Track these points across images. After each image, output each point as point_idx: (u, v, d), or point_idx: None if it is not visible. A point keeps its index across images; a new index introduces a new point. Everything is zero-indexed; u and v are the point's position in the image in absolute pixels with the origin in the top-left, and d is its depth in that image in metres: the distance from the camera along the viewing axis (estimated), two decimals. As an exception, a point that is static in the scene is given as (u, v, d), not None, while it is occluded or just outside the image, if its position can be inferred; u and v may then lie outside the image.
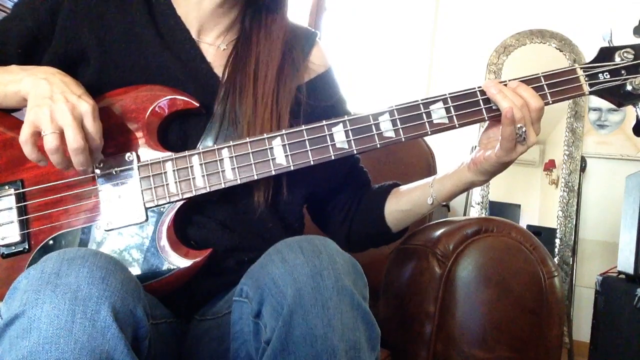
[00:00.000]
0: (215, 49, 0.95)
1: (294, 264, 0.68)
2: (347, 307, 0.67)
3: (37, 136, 0.74)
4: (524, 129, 0.83)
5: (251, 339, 0.72)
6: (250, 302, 0.72)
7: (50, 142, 0.73)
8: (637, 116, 0.90)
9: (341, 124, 0.85)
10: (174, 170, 0.83)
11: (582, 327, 2.48)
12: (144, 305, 0.66)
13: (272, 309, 0.67)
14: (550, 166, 2.63)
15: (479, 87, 0.88)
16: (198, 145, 0.87)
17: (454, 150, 2.42)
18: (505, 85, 0.86)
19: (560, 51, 2.61)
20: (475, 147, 0.92)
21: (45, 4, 0.89)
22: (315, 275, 0.66)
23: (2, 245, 0.81)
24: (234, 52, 0.94)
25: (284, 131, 0.85)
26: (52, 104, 0.74)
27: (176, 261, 0.81)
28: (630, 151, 2.62)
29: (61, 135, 0.73)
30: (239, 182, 0.83)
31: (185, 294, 0.86)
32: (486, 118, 0.87)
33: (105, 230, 0.81)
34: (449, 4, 2.89)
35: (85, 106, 0.75)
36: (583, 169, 2.59)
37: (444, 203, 0.96)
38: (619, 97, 0.89)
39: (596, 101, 2.63)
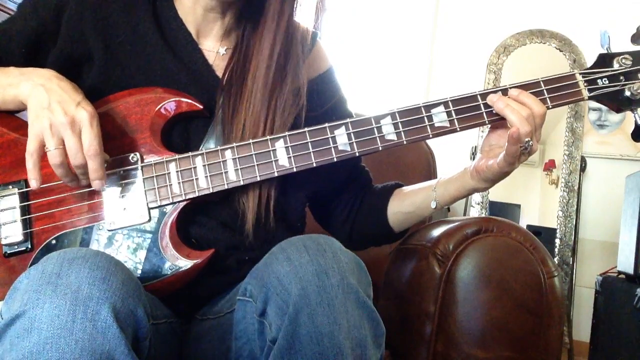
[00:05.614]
0: (214, 54, 0.95)
1: (299, 262, 0.68)
2: (353, 305, 0.67)
3: (44, 149, 0.75)
4: (530, 142, 0.83)
5: (255, 337, 0.73)
6: (254, 301, 0.72)
7: (54, 158, 0.75)
8: (636, 121, 0.91)
9: (343, 127, 0.86)
10: (177, 171, 0.83)
11: (582, 327, 2.48)
12: (145, 305, 0.66)
13: (278, 307, 0.67)
14: (550, 166, 2.63)
15: (479, 92, 0.88)
16: (201, 147, 0.87)
17: (454, 150, 2.42)
18: (507, 92, 0.87)
19: (560, 51, 2.61)
20: (475, 147, 0.93)
21: (50, 4, 0.88)
22: (320, 273, 0.67)
23: (5, 245, 0.81)
24: (233, 58, 0.93)
25: (287, 133, 0.85)
26: (50, 115, 0.75)
27: (178, 262, 0.81)
28: (630, 151, 2.62)
29: (64, 149, 0.75)
30: (241, 183, 0.84)
31: (186, 293, 0.86)
32: (487, 122, 0.88)
33: (108, 230, 0.82)
34: (449, 3, 2.89)
35: (84, 114, 0.76)
36: (583, 169, 2.59)
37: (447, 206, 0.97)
38: (617, 102, 0.90)
39: (596, 101, 2.63)
